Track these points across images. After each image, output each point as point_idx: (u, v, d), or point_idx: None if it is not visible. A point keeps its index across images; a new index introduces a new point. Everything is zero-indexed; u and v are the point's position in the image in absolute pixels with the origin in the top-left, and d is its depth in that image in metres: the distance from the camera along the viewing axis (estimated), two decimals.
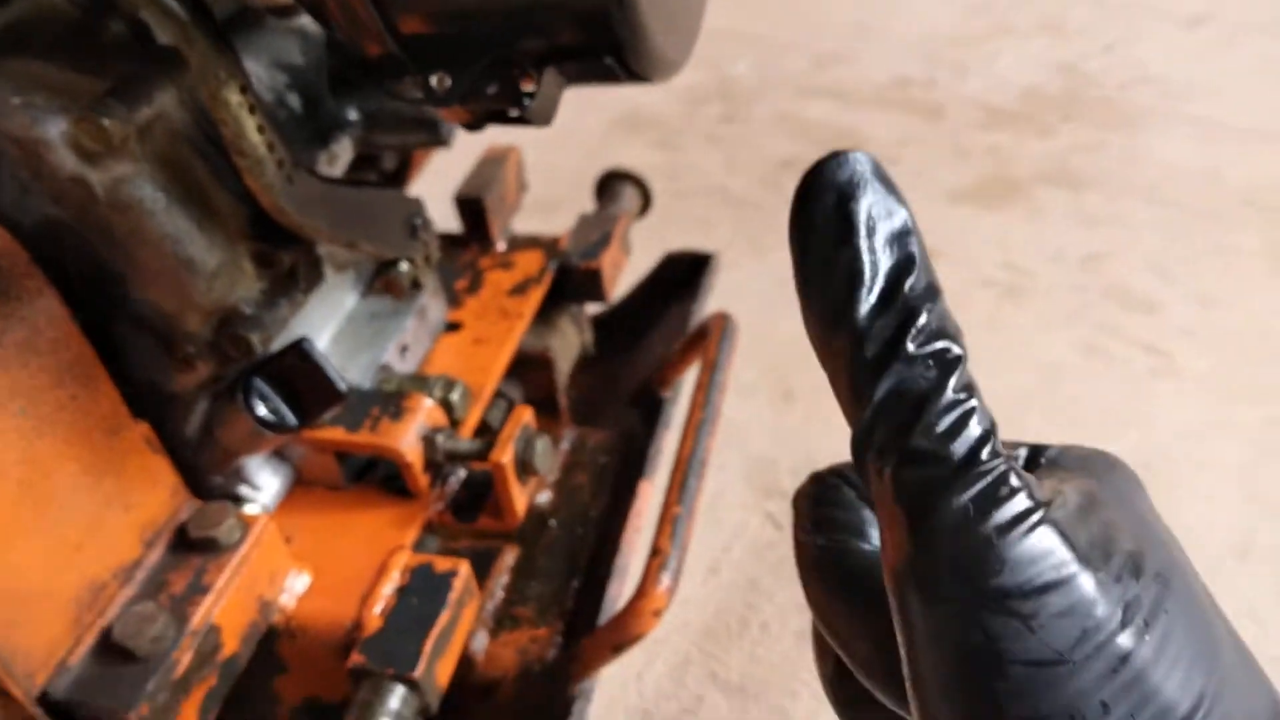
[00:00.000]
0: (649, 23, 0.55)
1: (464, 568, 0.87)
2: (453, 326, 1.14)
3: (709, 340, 1.16)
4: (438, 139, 0.88)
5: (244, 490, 0.90)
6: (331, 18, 0.54)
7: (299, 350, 0.78)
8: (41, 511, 0.68)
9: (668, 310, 1.50)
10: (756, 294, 1.81)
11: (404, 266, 0.86)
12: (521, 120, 0.58)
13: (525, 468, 0.90)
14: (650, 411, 1.29)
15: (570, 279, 1.24)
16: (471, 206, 1.23)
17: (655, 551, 0.90)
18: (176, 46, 0.58)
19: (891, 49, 2.73)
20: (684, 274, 1.49)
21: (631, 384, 1.40)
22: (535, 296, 1.18)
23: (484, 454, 0.90)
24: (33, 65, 0.68)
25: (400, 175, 1.09)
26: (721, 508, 1.47)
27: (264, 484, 0.92)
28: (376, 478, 0.96)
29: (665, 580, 0.87)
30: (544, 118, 0.58)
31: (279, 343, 0.83)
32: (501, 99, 0.56)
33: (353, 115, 0.88)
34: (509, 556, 1.17)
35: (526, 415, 0.92)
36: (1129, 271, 1.83)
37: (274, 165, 0.65)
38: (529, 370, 1.27)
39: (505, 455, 0.88)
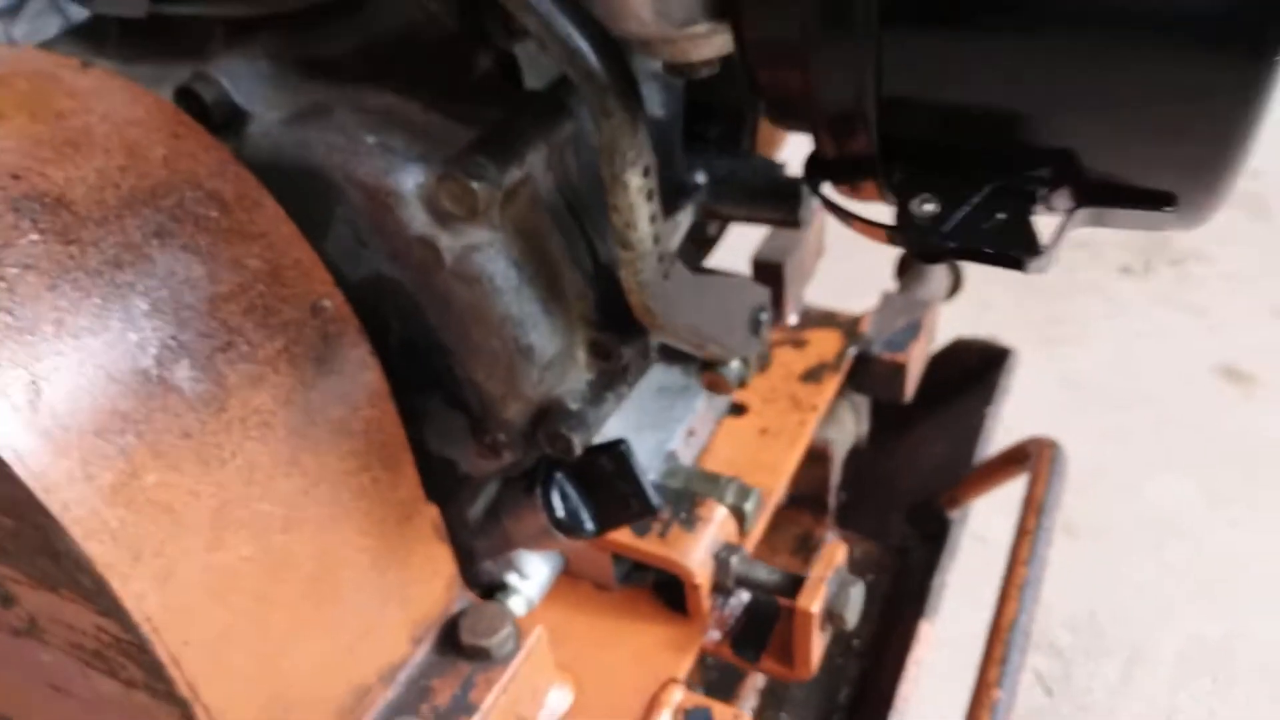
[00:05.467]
0: (1232, 177, 0.39)
1: None
2: (738, 409, 1.01)
3: (1035, 472, 0.98)
4: (793, 219, 0.75)
5: (512, 578, 0.81)
6: (793, 101, 0.41)
7: (616, 455, 0.67)
8: (323, 612, 0.59)
9: (950, 404, 1.32)
10: (1041, 398, 1.59)
11: (735, 365, 0.73)
12: (1012, 264, 0.43)
13: (831, 618, 0.76)
14: (931, 531, 1.13)
15: (868, 369, 1.09)
16: (769, 272, 1.10)
17: None
18: (596, 117, 0.46)
19: None
20: (973, 364, 1.32)
21: (906, 487, 1.24)
22: (830, 386, 1.04)
23: (789, 591, 0.76)
24: (392, 98, 0.59)
25: (714, 239, 0.97)
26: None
27: (533, 574, 0.82)
28: (648, 580, 0.85)
29: None
30: (1045, 268, 0.43)
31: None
32: (1005, 240, 0.42)
33: (700, 179, 0.76)
34: (758, 677, 1.04)
35: (840, 555, 0.78)
36: None
37: (655, 260, 0.54)
38: (804, 462, 1.13)
39: (815, 603, 0.74)
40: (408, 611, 0.67)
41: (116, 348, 0.47)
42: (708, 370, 0.74)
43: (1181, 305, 1.78)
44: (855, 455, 1.30)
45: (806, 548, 1.14)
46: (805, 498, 1.16)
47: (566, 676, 0.77)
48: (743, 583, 0.79)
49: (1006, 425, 1.17)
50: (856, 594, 0.77)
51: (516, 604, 0.81)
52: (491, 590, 0.81)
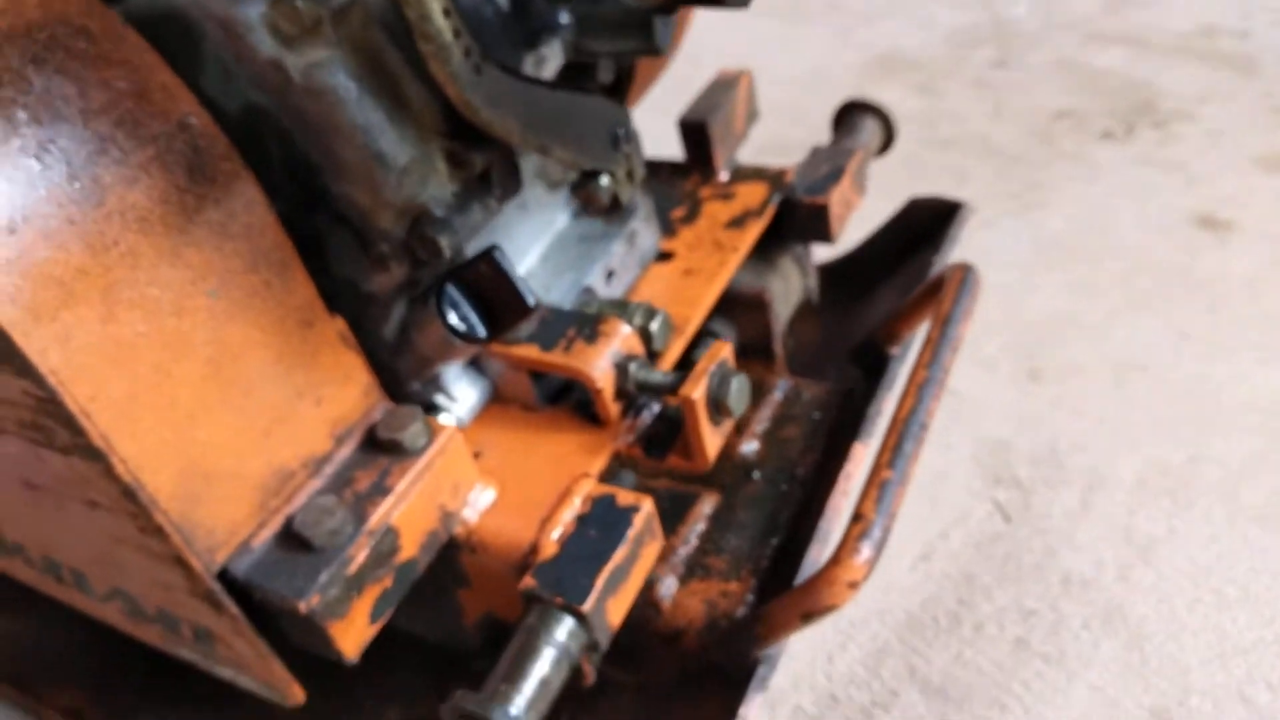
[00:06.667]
0: None
1: (646, 504, 0.81)
2: (665, 256, 1.08)
3: (944, 292, 1.03)
4: (651, 46, 0.82)
5: (441, 399, 0.90)
6: None
7: (489, 259, 0.75)
8: (229, 394, 0.69)
9: (906, 262, 1.37)
10: (1012, 258, 1.62)
11: (604, 180, 0.81)
12: (716, 2, 0.50)
13: (719, 407, 0.83)
14: (874, 368, 1.18)
15: (794, 215, 1.15)
16: (695, 131, 1.17)
17: (857, 517, 0.81)
18: None
19: None
20: (929, 223, 1.36)
21: (858, 338, 1.29)
22: (753, 231, 1.10)
23: (676, 387, 0.84)
24: None
25: (619, 89, 1.04)
26: (944, 489, 1.32)
27: (460, 395, 0.91)
28: (571, 401, 0.93)
29: (865, 550, 0.78)
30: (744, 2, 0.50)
31: (476, 248, 0.81)
32: None
33: (564, 18, 0.83)
34: (707, 504, 1.11)
35: (724, 351, 0.85)
36: None
37: (460, 53, 0.62)
38: (744, 311, 1.19)
39: (697, 391, 0.81)
40: (324, 409, 0.77)
41: (1, 147, 0.57)
42: (581, 187, 0.82)
43: (1162, 163, 1.76)
44: (810, 312, 1.36)
45: (759, 393, 1.21)
46: (754, 347, 1.22)
47: (490, 479, 0.86)
48: (643, 387, 0.87)
49: None
50: (738, 384, 0.84)
51: (446, 422, 0.90)
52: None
